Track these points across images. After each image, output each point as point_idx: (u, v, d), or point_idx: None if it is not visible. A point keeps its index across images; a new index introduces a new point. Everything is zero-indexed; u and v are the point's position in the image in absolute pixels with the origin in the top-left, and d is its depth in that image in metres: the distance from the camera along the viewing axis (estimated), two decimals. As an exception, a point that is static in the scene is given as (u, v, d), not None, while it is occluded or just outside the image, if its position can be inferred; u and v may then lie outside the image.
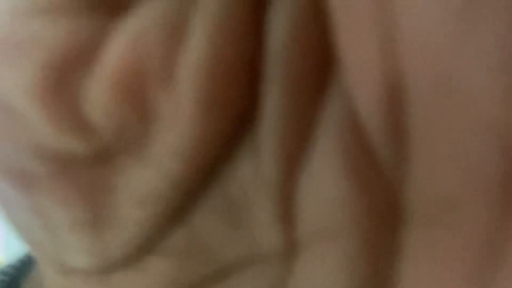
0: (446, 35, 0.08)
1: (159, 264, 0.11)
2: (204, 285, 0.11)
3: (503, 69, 0.08)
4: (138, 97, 0.10)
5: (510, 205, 0.09)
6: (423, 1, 0.09)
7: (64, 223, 0.11)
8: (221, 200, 0.11)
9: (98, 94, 0.10)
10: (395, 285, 0.10)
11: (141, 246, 0.11)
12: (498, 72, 0.08)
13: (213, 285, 0.11)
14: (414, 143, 0.09)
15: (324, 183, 0.10)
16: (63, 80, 0.10)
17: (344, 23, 0.10)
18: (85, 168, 0.11)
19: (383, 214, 0.10)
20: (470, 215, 0.09)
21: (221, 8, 0.10)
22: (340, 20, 0.10)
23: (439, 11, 0.08)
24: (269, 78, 0.10)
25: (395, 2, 0.09)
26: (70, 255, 0.11)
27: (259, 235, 0.11)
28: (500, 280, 0.09)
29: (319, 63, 0.10)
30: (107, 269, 0.11)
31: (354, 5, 0.09)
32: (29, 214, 0.11)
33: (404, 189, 0.10)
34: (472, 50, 0.08)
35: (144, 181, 0.10)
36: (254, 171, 0.10)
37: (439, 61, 0.09)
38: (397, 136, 0.09)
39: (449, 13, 0.08)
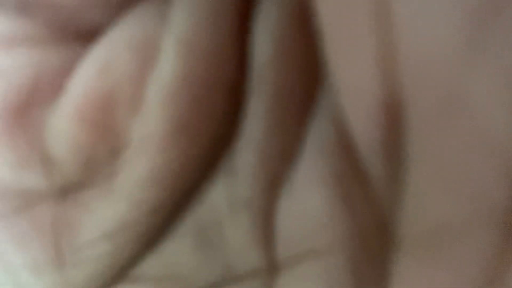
0: (453, 53, 0.08)
1: None
2: None
3: (509, 88, 0.08)
4: (107, 127, 0.10)
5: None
6: (426, 18, 0.08)
7: (23, 264, 0.10)
8: (191, 225, 0.10)
9: (65, 126, 0.10)
10: None
11: (112, 278, 0.10)
12: (504, 91, 0.08)
13: None
14: (411, 165, 0.09)
15: (307, 203, 0.10)
16: (25, 114, 0.10)
17: (336, 39, 0.09)
18: (47, 206, 0.10)
19: (371, 237, 0.10)
20: (471, 244, 0.09)
21: (193, 27, 0.09)
22: (331, 36, 0.09)
23: (445, 29, 0.08)
24: (253, 95, 0.10)
25: (395, 18, 0.08)
26: None
27: (234, 257, 0.10)
28: None
29: (306, 79, 0.10)
30: None
31: (349, 21, 0.09)
32: None
33: (396, 213, 0.09)
34: (479, 69, 0.08)
35: (112, 213, 0.10)
36: (228, 192, 0.10)
37: (443, 80, 0.08)
38: (392, 156, 0.09)
39: (457, 32, 0.08)
